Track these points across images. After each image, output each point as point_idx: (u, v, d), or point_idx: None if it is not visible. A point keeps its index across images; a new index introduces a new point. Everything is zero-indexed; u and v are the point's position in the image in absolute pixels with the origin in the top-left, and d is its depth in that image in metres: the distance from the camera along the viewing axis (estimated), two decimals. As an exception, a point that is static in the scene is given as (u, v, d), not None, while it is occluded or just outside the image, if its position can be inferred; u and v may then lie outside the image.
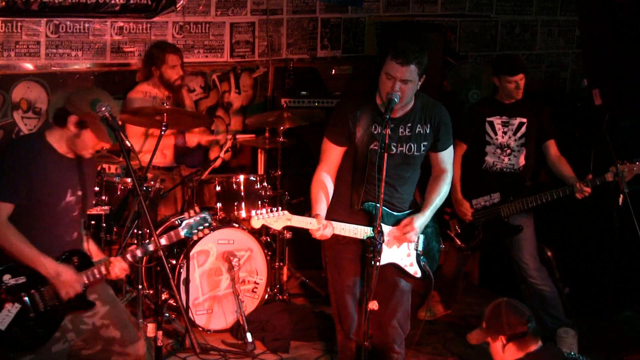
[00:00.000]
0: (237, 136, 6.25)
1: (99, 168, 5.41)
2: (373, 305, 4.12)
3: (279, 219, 4.15)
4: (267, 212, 4.14)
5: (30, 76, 6.15)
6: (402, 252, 4.45)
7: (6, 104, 6.09)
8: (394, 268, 4.46)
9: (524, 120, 5.56)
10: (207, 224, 4.19)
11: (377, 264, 4.13)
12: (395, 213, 4.44)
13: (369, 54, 7.39)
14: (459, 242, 5.71)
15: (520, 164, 5.60)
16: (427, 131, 4.39)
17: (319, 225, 4.18)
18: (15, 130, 6.15)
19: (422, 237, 4.50)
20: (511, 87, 5.54)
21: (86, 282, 4.03)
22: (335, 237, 4.33)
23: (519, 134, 5.58)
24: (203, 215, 4.18)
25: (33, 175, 3.93)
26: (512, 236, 5.56)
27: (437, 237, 4.64)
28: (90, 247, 4.26)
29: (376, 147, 4.26)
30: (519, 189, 5.54)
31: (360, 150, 4.31)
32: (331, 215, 4.32)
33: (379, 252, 4.14)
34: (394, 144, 4.30)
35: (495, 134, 5.61)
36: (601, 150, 5.42)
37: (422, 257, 4.49)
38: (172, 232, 4.16)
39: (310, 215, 4.27)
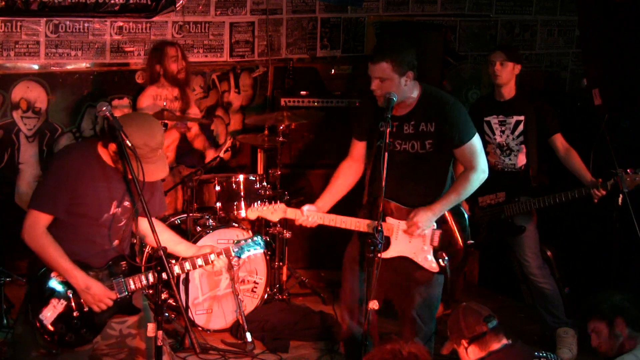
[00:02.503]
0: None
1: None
2: (373, 305, 4.12)
3: (275, 211, 4.35)
4: (262, 204, 4.33)
5: (30, 76, 6.15)
6: (415, 246, 4.45)
7: (6, 104, 6.09)
8: (407, 261, 4.46)
9: (521, 118, 5.55)
10: (259, 247, 4.28)
11: (377, 263, 4.14)
12: (406, 207, 4.45)
13: (369, 54, 7.36)
14: None
15: (521, 163, 5.59)
16: (432, 129, 4.37)
17: (303, 217, 4.40)
18: (15, 129, 6.15)
19: (438, 232, 4.47)
20: (490, 70, 5.55)
21: (132, 287, 4.05)
22: (354, 246, 4.56)
23: (516, 133, 5.57)
24: (256, 238, 4.28)
25: (78, 187, 3.93)
26: (515, 236, 5.54)
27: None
28: (179, 248, 4.26)
29: (381, 144, 4.28)
30: (524, 189, 5.53)
31: (371, 147, 4.44)
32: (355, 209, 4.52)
33: (380, 250, 4.15)
34: (398, 142, 4.37)
35: (494, 133, 5.61)
36: (601, 150, 5.42)
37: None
38: (223, 249, 4.19)
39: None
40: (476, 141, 4.44)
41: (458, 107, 4.42)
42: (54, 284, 3.94)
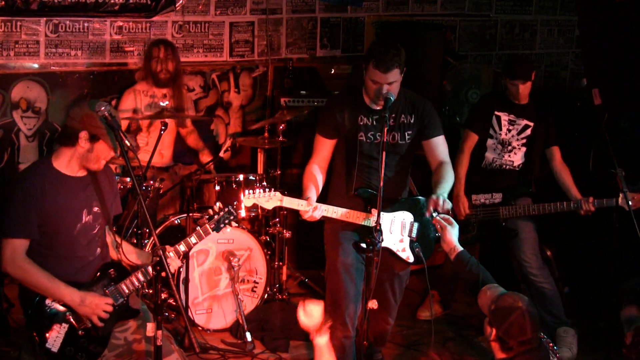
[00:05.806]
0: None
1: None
2: (373, 304, 4.12)
3: (270, 199, 4.35)
4: (259, 192, 4.33)
5: (29, 75, 6.15)
6: (395, 237, 4.60)
7: (6, 104, 6.09)
8: (387, 253, 4.59)
9: (530, 123, 5.57)
10: (232, 217, 4.26)
11: (377, 263, 4.16)
12: (387, 198, 4.56)
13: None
14: None
15: (519, 162, 5.60)
16: (412, 121, 4.61)
17: (309, 207, 4.33)
18: (15, 129, 6.15)
19: (416, 224, 4.63)
20: (512, 90, 5.56)
21: (127, 291, 4.07)
22: (338, 224, 4.55)
23: (522, 135, 5.58)
24: (227, 208, 4.26)
25: (44, 207, 3.94)
26: (506, 239, 5.55)
27: (434, 227, 4.67)
28: (126, 249, 4.24)
29: (362, 138, 4.53)
30: (522, 194, 5.54)
31: (349, 141, 4.57)
32: (330, 203, 4.54)
33: (379, 252, 4.16)
34: (379, 134, 4.51)
35: (500, 129, 5.61)
36: (600, 150, 5.42)
37: (415, 244, 4.61)
38: (199, 230, 4.19)
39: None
40: (443, 137, 4.72)
41: (430, 104, 4.73)
42: (51, 310, 3.96)
